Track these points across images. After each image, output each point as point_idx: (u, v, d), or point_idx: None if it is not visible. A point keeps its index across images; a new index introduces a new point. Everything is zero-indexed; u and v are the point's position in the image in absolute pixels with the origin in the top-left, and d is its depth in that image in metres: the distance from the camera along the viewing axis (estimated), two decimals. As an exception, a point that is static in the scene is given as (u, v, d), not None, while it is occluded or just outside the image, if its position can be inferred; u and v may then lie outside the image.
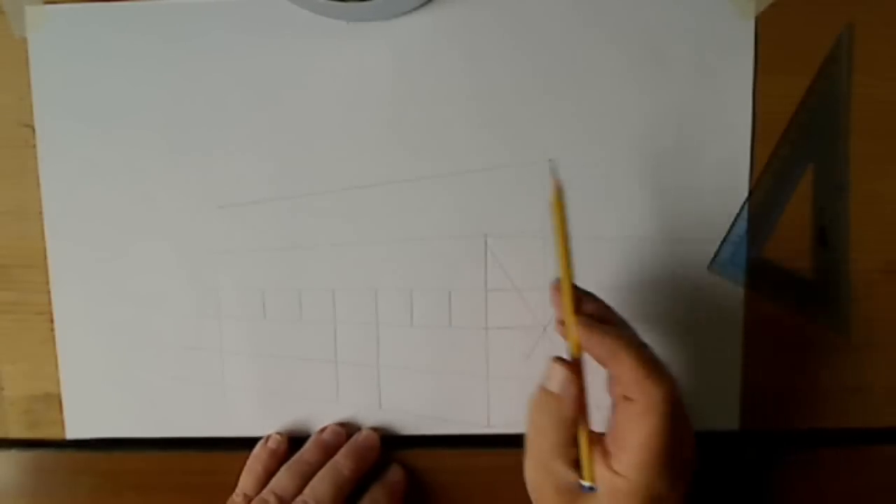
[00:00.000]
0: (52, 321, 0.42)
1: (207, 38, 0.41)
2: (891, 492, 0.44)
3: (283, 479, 0.40)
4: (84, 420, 0.43)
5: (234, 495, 0.41)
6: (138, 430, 0.43)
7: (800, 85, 0.42)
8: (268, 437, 0.42)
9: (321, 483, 0.40)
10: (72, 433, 0.43)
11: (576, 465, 0.34)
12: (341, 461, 0.41)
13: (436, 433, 0.43)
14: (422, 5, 0.41)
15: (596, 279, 0.43)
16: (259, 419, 0.43)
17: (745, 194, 0.42)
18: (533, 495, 0.35)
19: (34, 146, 0.41)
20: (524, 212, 0.42)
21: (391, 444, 0.43)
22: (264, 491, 0.40)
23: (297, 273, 0.42)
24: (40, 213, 0.42)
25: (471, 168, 0.42)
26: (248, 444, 0.43)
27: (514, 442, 0.43)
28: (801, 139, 0.42)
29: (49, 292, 0.42)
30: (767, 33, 0.41)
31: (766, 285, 0.43)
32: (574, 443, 0.34)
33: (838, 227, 0.42)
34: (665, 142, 0.42)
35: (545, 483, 0.34)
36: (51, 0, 0.40)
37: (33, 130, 0.41)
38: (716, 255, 0.42)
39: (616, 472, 0.32)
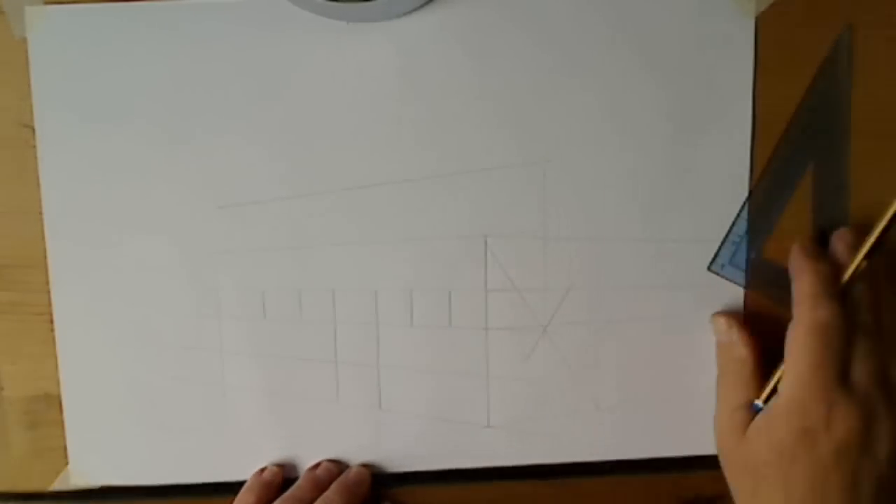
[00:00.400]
0: (52, 321, 0.42)
1: (207, 38, 0.41)
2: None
3: None
4: (84, 421, 0.43)
5: None
6: (138, 430, 0.43)
7: (800, 85, 0.42)
8: (263, 469, 0.43)
9: None
10: (71, 434, 0.43)
11: (749, 400, 0.39)
12: (332, 497, 0.41)
13: (432, 468, 0.44)
14: (423, 5, 0.41)
15: (596, 279, 0.43)
16: (259, 419, 0.43)
17: (745, 194, 0.42)
18: (723, 446, 0.40)
19: (34, 146, 0.41)
20: (524, 212, 0.42)
21: (386, 482, 0.44)
22: None
23: (297, 273, 0.42)
24: (40, 213, 0.42)
25: (471, 168, 0.42)
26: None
27: (508, 474, 0.43)
28: (801, 139, 0.42)
29: (49, 292, 0.42)
30: (767, 33, 0.41)
31: (766, 285, 0.43)
32: (755, 383, 0.39)
33: (838, 227, 0.42)
34: (665, 141, 0.42)
35: (730, 425, 0.39)
36: (51, 0, 0.40)
37: (33, 130, 0.41)
38: (716, 255, 0.42)
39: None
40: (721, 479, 0.41)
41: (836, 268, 0.39)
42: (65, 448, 0.43)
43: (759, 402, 0.38)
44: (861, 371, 0.36)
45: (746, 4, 0.41)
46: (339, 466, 0.43)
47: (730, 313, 0.41)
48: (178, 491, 0.43)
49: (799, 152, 0.42)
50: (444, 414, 0.43)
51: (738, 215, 0.42)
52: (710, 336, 0.43)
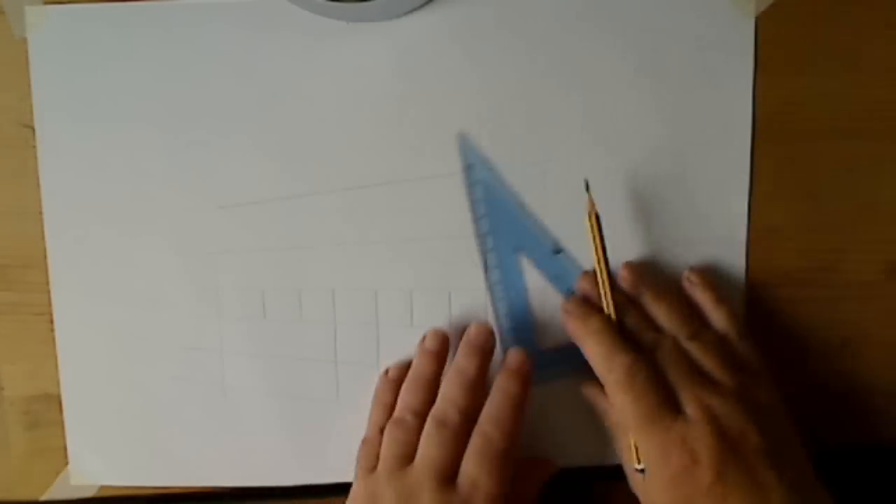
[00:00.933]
0: (52, 321, 0.42)
1: (207, 38, 0.41)
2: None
3: (407, 397, 0.40)
4: (84, 421, 0.43)
5: (366, 433, 0.41)
6: (138, 430, 0.43)
7: (800, 85, 0.42)
8: (387, 370, 0.42)
9: (450, 389, 0.39)
10: (71, 434, 0.43)
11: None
12: (463, 363, 0.40)
13: None
14: (422, 5, 0.41)
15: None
16: (259, 419, 0.43)
17: (746, 194, 0.42)
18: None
19: (34, 146, 0.41)
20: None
21: None
22: (395, 413, 0.40)
23: (297, 273, 0.42)
24: (40, 213, 0.42)
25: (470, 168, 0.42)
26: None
27: None
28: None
29: (49, 292, 0.42)
30: (767, 33, 0.41)
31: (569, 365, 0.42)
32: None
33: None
34: (665, 142, 0.42)
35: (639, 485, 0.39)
36: (51, 0, 0.40)
37: (33, 130, 0.41)
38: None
39: None
40: None
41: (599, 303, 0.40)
42: (65, 448, 0.43)
43: (637, 466, 0.38)
44: (686, 399, 0.37)
45: (746, 4, 0.41)
46: (447, 332, 0.42)
47: (594, 382, 0.40)
48: (176, 497, 0.43)
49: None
50: (444, 414, 0.43)
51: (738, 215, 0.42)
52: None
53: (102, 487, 0.43)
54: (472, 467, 0.37)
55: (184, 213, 0.42)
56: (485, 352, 0.40)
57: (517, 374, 0.40)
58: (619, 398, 0.37)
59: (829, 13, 0.42)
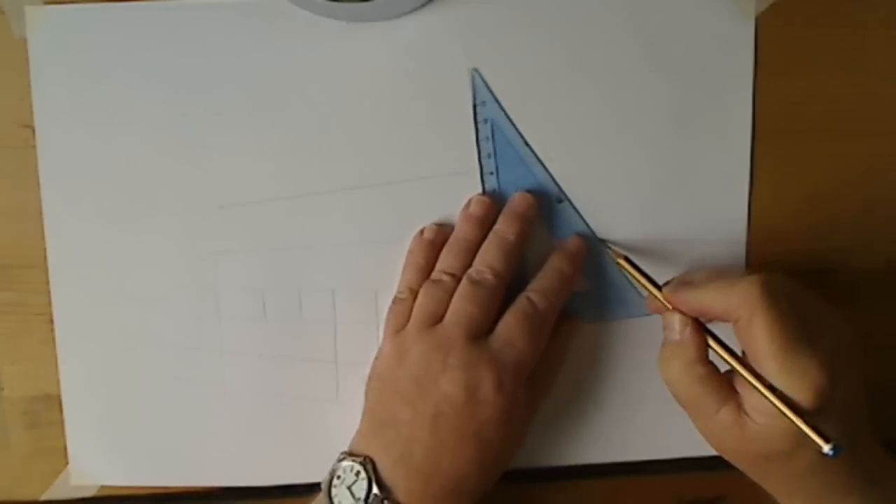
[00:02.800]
0: (52, 321, 0.42)
1: (207, 38, 0.41)
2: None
3: (447, 259, 0.40)
4: (84, 421, 0.43)
5: (397, 293, 0.40)
6: (138, 430, 0.43)
7: (800, 85, 0.42)
8: (422, 230, 0.41)
9: (489, 252, 0.39)
10: (71, 434, 0.43)
11: (723, 395, 0.35)
12: (503, 228, 0.40)
13: None
14: (422, 5, 0.41)
15: (596, 279, 0.43)
16: (259, 419, 0.43)
17: (746, 194, 0.42)
18: (701, 434, 0.37)
19: (34, 146, 0.41)
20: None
21: None
22: (433, 274, 0.40)
23: (297, 273, 0.42)
24: (40, 213, 0.42)
25: (472, 168, 0.42)
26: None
27: (507, 478, 0.43)
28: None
29: (49, 292, 0.42)
30: (767, 33, 0.41)
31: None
32: (710, 381, 0.35)
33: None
34: (665, 142, 0.42)
35: (705, 425, 0.36)
36: (51, 0, 0.40)
37: (33, 130, 0.41)
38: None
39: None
40: (722, 481, 0.41)
41: None
42: (65, 448, 0.43)
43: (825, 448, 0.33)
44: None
45: (746, 4, 0.41)
46: (492, 199, 0.41)
47: (685, 315, 0.37)
48: (176, 497, 0.43)
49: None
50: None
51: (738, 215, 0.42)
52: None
53: (102, 487, 0.43)
54: (510, 325, 0.37)
55: (184, 213, 0.42)
56: (526, 219, 0.40)
57: (573, 256, 0.40)
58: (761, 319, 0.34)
59: (829, 13, 0.42)
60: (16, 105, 0.41)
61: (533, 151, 0.42)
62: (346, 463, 0.37)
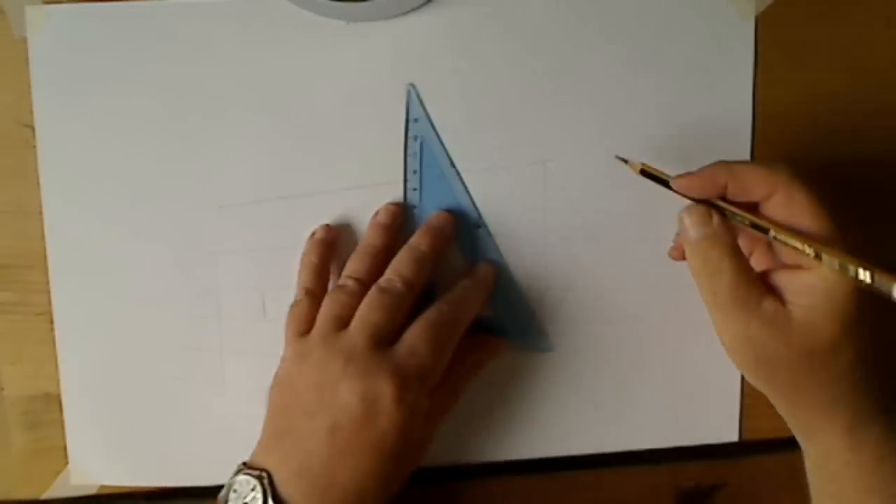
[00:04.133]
0: (52, 321, 0.42)
1: (207, 38, 0.41)
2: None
3: (353, 265, 0.39)
4: (84, 421, 0.43)
5: (296, 296, 0.40)
6: (138, 430, 0.43)
7: (800, 85, 0.42)
8: (314, 231, 0.41)
9: (400, 261, 0.39)
10: (71, 434, 0.43)
11: (765, 287, 0.34)
12: (417, 240, 0.40)
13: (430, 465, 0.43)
14: (422, 5, 0.41)
15: (596, 279, 0.43)
16: (259, 419, 0.43)
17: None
18: (736, 351, 0.35)
19: (34, 146, 0.41)
20: (524, 212, 0.42)
21: None
22: (340, 280, 0.39)
23: (296, 273, 0.42)
24: (40, 213, 0.42)
25: (471, 168, 0.42)
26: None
27: (506, 470, 0.43)
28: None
29: (49, 292, 0.42)
30: (767, 33, 0.41)
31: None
32: (751, 271, 0.34)
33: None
34: (665, 142, 0.42)
35: (747, 324, 0.34)
36: (51, 0, 0.40)
37: (33, 130, 0.41)
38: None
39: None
40: (720, 469, 0.40)
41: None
42: (65, 448, 0.43)
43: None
44: None
45: (746, 5, 0.41)
46: (402, 209, 0.41)
47: (704, 203, 0.35)
48: (176, 494, 0.43)
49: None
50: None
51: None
52: (711, 334, 0.43)
53: (102, 487, 0.43)
54: (415, 334, 0.37)
55: (184, 213, 0.42)
56: (441, 234, 0.40)
57: (484, 279, 0.41)
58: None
59: (829, 13, 0.42)
60: (16, 105, 0.41)
61: (458, 174, 0.42)
62: (241, 477, 0.36)
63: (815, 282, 0.33)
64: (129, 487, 0.43)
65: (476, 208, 0.42)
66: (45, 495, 0.43)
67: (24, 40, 0.40)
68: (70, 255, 0.42)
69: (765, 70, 0.42)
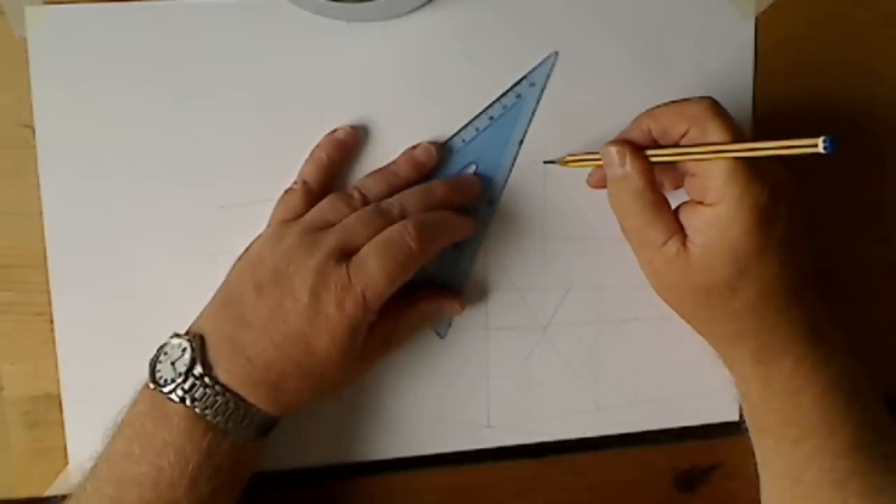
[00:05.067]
0: (52, 321, 0.42)
1: (207, 38, 0.41)
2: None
3: (368, 182, 0.40)
4: (84, 421, 0.43)
5: (293, 183, 0.40)
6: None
7: (800, 85, 0.42)
8: (335, 129, 0.41)
9: (411, 196, 0.39)
10: (71, 434, 0.43)
11: (671, 226, 0.35)
12: (437, 184, 0.40)
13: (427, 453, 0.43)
14: (422, 5, 0.41)
15: (596, 279, 0.43)
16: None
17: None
18: (649, 279, 0.37)
19: (34, 146, 0.41)
20: (524, 212, 0.42)
21: (384, 466, 0.43)
22: (349, 187, 0.39)
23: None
24: (40, 213, 0.42)
25: (470, 168, 0.42)
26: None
27: (504, 454, 0.43)
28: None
29: (49, 292, 0.42)
30: (767, 33, 0.41)
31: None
32: (659, 209, 0.36)
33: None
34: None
35: (651, 260, 0.36)
36: (51, 0, 0.40)
37: (33, 130, 0.41)
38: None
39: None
40: (717, 449, 0.40)
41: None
42: (65, 448, 0.43)
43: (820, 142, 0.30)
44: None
45: (746, 5, 0.41)
46: (440, 151, 0.41)
47: (621, 142, 0.37)
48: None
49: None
50: (444, 414, 0.43)
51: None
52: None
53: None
54: (371, 249, 0.36)
55: (184, 213, 0.42)
56: (462, 192, 0.41)
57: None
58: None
59: (829, 13, 0.42)
60: (16, 105, 0.41)
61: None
62: (174, 340, 0.37)
63: (711, 220, 0.34)
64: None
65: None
66: (45, 495, 0.43)
67: (24, 40, 0.40)
68: (70, 255, 0.42)
69: (765, 70, 0.42)
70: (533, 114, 0.42)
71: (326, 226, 0.38)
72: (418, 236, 0.37)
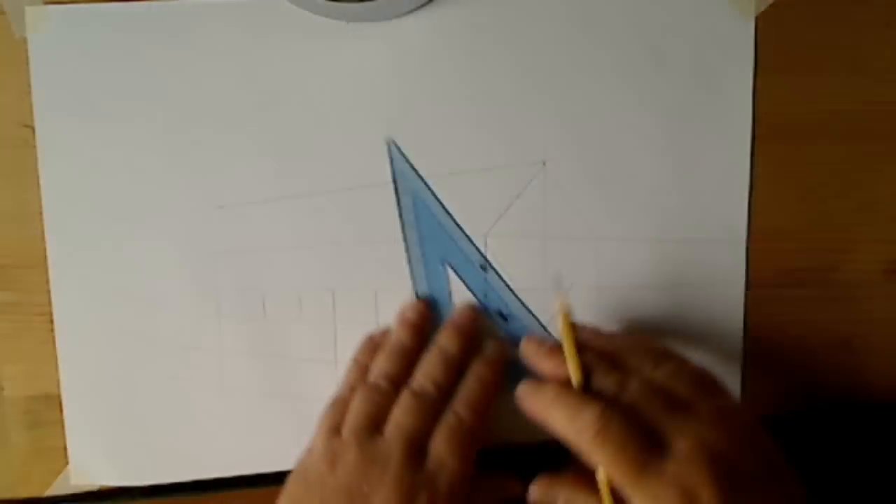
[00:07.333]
0: (52, 321, 0.42)
1: (207, 38, 0.41)
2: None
3: (384, 365, 0.40)
4: (84, 421, 0.43)
5: (339, 391, 0.40)
6: (138, 430, 0.43)
7: (800, 85, 0.42)
8: (371, 335, 0.42)
9: (431, 364, 0.39)
10: (71, 434, 0.43)
11: None
12: (445, 341, 0.40)
13: None
14: (421, 6, 0.41)
15: (595, 280, 0.43)
16: (259, 419, 0.43)
17: (746, 194, 0.42)
18: None
19: (34, 146, 0.41)
20: (523, 212, 0.42)
21: None
22: (370, 378, 0.39)
23: (297, 273, 0.42)
24: (40, 213, 0.42)
25: (471, 168, 0.42)
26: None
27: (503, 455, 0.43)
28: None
29: (49, 292, 0.42)
30: (767, 33, 0.41)
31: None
32: None
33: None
34: (665, 142, 0.42)
35: None
36: (51, 0, 0.40)
37: (33, 130, 0.41)
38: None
39: None
40: None
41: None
42: (65, 448, 0.43)
43: None
44: (671, 433, 0.32)
45: (746, 4, 0.41)
46: (428, 305, 0.42)
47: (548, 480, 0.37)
48: (177, 489, 0.43)
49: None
50: (444, 414, 0.43)
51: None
52: (710, 337, 0.43)
53: (102, 487, 0.43)
54: (440, 445, 0.37)
55: (184, 213, 0.42)
56: (468, 332, 0.41)
57: (493, 362, 0.40)
58: (598, 457, 0.33)
59: (829, 13, 0.42)
60: (16, 105, 0.41)
61: (453, 222, 0.42)
62: None
63: None
64: (129, 487, 0.43)
65: (475, 247, 0.42)
66: (45, 495, 0.43)
67: (24, 40, 0.40)
68: (70, 255, 0.42)
69: (765, 70, 0.42)
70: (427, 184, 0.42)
71: (374, 424, 0.37)
72: (473, 415, 0.37)
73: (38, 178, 0.41)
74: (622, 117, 0.42)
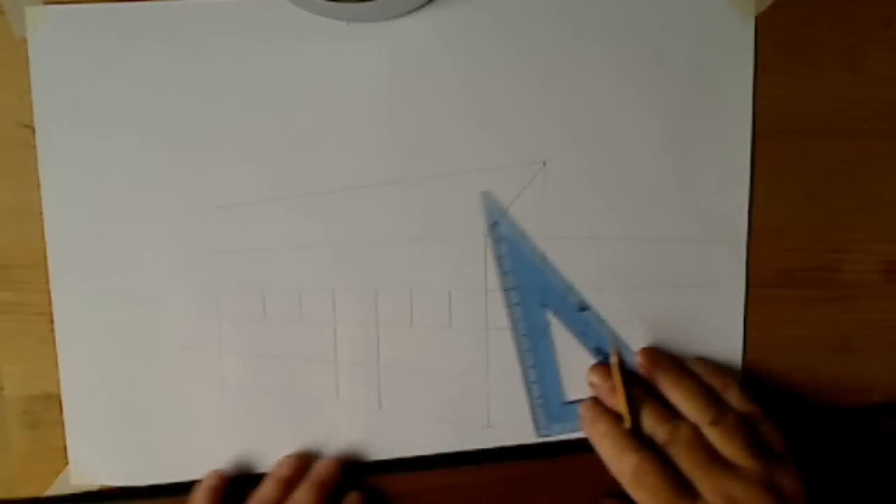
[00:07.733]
0: (52, 321, 0.42)
1: (207, 38, 0.41)
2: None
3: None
4: (84, 421, 0.43)
5: None
6: (138, 430, 0.43)
7: (800, 85, 0.42)
8: (206, 477, 0.42)
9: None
10: (71, 434, 0.43)
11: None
12: (301, 497, 0.41)
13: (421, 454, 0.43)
14: (421, 6, 0.41)
15: (596, 280, 0.43)
16: (259, 419, 0.43)
17: (746, 194, 0.42)
18: None
19: (34, 146, 0.41)
20: (523, 212, 0.42)
21: (374, 467, 0.43)
22: None
23: (297, 273, 0.42)
24: (40, 213, 0.42)
25: (471, 168, 0.42)
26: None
27: (501, 456, 0.43)
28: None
29: (49, 292, 0.42)
30: (767, 33, 0.41)
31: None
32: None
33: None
34: (665, 142, 0.42)
35: None
36: (51, 0, 0.40)
37: (33, 130, 0.41)
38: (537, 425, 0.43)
39: None
40: None
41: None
42: (65, 448, 0.43)
43: None
44: (704, 488, 0.36)
45: (746, 4, 0.41)
46: (304, 461, 0.42)
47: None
48: (177, 489, 0.43)
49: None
50: (444, 414, 0.43)
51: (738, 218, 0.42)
52: (710, 337, 0.43)
53: (102, 487, 0.43)
54: None
55: (184, 213, 0.42)
56: (325, 487, 0.41)
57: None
58: (635, 496, 0.37)
59: (829, 13, 0.42)
60: (16, 105, 0.41)
61: (549, 264, 0.42)
62: None
63: None
64: (129, 487, 0.43)
65: (562, 277, 0.43)
66: (45, 495, 0.43)
67: (24, 40, 0.40)
68: (70, 255, 0.42)
69: (765, 70, 0.42)
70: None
71: None
72: None
73: (38, 178, 0.41)
74: (622, 117, 0.42)
